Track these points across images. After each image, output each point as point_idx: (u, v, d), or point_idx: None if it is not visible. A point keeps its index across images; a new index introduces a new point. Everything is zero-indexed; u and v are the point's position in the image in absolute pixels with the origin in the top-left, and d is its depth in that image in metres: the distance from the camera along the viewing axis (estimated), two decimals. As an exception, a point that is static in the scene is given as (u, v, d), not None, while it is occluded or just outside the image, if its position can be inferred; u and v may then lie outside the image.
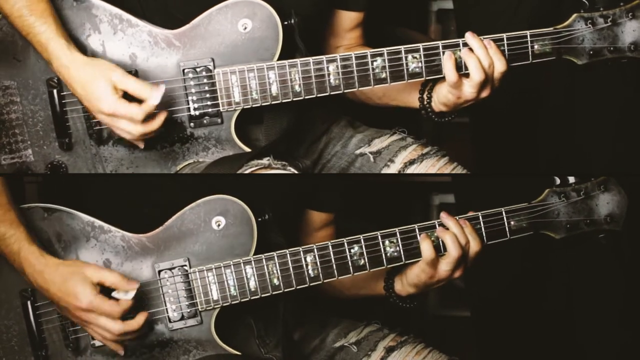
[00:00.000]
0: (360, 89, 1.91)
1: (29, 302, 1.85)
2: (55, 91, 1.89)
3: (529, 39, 1.91)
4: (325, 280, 1.86)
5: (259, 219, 1.86)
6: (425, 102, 2.00)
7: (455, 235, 1.86)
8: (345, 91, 1.91)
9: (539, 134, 2.64)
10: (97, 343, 1.86)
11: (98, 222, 1.85)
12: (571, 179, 1.92)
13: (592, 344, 2.74)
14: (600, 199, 1.91)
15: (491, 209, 1.92)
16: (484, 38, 1.89)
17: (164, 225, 1.85)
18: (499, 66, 1.89)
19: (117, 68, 1.83)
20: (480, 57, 1.88)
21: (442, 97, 1.95)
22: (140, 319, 1.80)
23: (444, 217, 1.88)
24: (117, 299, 1.78)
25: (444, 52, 1.89)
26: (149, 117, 1.82)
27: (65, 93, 1.90)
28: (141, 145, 1.89)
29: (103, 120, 1.84)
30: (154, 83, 1.85)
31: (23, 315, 1.86)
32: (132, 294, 1.79)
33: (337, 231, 2.10)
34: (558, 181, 1.92)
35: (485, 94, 1.91)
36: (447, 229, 1.87)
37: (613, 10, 1.90)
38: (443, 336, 3.10)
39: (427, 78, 1.92)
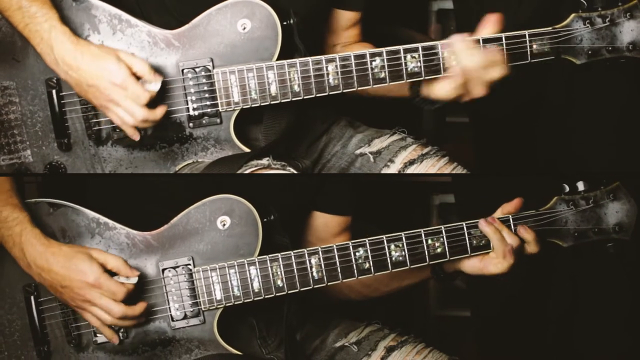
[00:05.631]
0: (359, 88, 1.91)
1: (32, 297, 1.85)
2: (54, 91, 1.89)
3: (527, 38, 1.91)
4: (329, 283, 1.86)
5: (265, 220, 1.86)
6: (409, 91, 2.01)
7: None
8: (345, 91, 1.91)
9: (539, 134, 2.64)
10: (100, 339, 1.86)
11: (103, 219, 1.86)
12: (580, 187, 1.91)
13: (593, 348, 2.74)
14: (609, 208, 1.91)
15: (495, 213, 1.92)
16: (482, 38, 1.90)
17: (169, 224, 1.86)
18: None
19: (120, 50, 1.85)
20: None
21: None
22: (141, 305, 1.81)
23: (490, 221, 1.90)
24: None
25: (443, 52, 1.89)
26: (151, 105, 1.83)
27: (64, 93, 1.90)
28: (136, 137, 1.89)
29: (110, 96, 1.81)
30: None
31: (26, 310, 1.86)
32: (134, 279, 1.80)
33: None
34: (567, 189, 1.91)
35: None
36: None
37: (611, 10, 1.90)
38: (443, 336, 3.10)
39: (426, 78, 1.92)
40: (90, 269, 1.77)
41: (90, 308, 1.80)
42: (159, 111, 1.86)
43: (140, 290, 1.85)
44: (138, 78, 1.82)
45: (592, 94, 2.52)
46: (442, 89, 1.93)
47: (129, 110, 1.82)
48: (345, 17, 2.12)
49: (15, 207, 1.82)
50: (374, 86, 1.91)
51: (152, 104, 1.84)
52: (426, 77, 1.92)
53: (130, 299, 1.80)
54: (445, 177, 2.87)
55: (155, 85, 1.83)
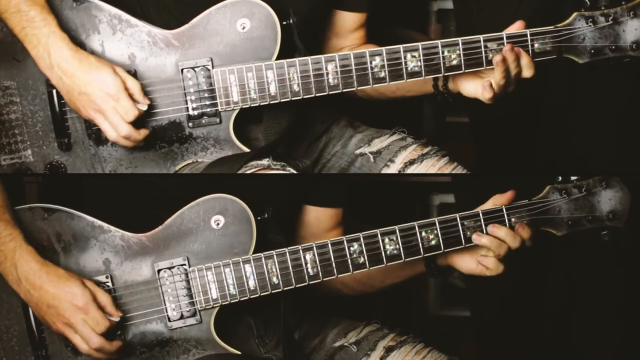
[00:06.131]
0: (359, 87, 1.91)
1: (28, 302, 1.85)
2: (54, 91, 1.90)
3: (529, 37, 1.90)
4: (324, 279, 1.86)
5: (258, 218, 1.86)
6: (441, 87, 2.02)
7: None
8: (344, 90, 1.91)
9: (539, 134, 2.64)
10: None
11: (98, 222, 1.86)
12: (573, 177, 1.91)
13: (591, 343, 2.74)
14: (602, 196, 1.90)
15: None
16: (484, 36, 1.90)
17: (163, 225, 1.86)
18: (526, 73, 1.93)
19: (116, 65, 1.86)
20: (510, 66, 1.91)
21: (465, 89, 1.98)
22: (117, 343, 1.82)
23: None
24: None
25: (443, 52, 1.90)
26: (136, 124, 1.85)
27: (64, 93, 1.91)
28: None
29: (101, 105, 1.82)
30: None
31: (23, 316, 1.86)
32: (116, 319, 1.81)
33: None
34: (559, 178, 1.91)
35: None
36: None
37: (614, 9, 1.89)
38: (443, 336, 3.10)
39: (426, 77, 1.92)
40: (81, 293, 1.79)
41: (69, 333, 1.80)
42: (143, 132, 1.88)
43: (136, 291, 1.85)
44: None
45: (592, 94, 2.52)
46: (471, 86, 1.95)
47: (114, 124, 1.83)
48: (349, 19, 2.12)
49: (8, 224, 1.82)
50: (377, 86, 1.91)
51: (136, 124, 1.85)
52: (427, 76, 1.92)
53: (109, 334, 1.81)
54: (445, 177, 2.87)
55: (143, 106, 1.85)
